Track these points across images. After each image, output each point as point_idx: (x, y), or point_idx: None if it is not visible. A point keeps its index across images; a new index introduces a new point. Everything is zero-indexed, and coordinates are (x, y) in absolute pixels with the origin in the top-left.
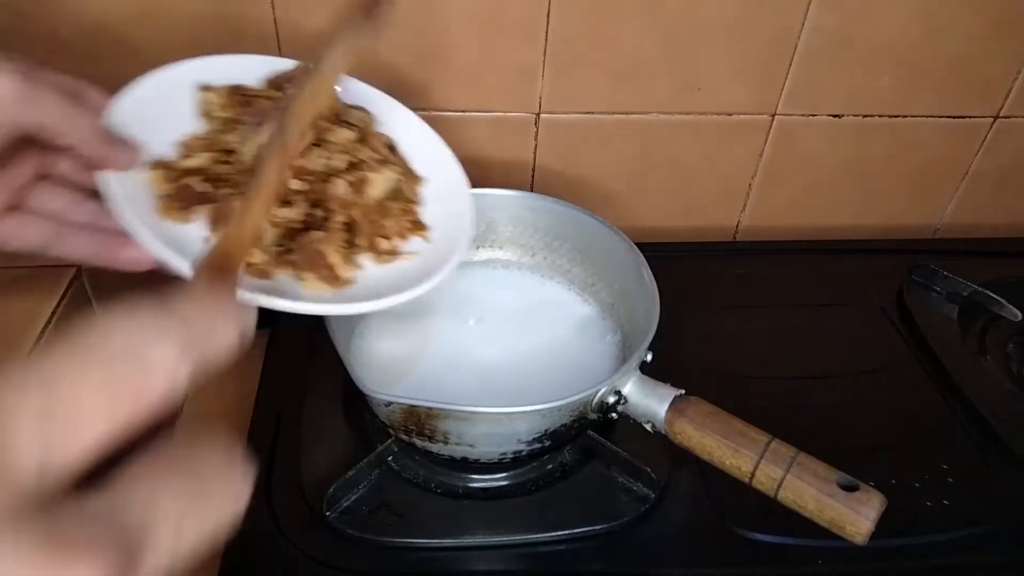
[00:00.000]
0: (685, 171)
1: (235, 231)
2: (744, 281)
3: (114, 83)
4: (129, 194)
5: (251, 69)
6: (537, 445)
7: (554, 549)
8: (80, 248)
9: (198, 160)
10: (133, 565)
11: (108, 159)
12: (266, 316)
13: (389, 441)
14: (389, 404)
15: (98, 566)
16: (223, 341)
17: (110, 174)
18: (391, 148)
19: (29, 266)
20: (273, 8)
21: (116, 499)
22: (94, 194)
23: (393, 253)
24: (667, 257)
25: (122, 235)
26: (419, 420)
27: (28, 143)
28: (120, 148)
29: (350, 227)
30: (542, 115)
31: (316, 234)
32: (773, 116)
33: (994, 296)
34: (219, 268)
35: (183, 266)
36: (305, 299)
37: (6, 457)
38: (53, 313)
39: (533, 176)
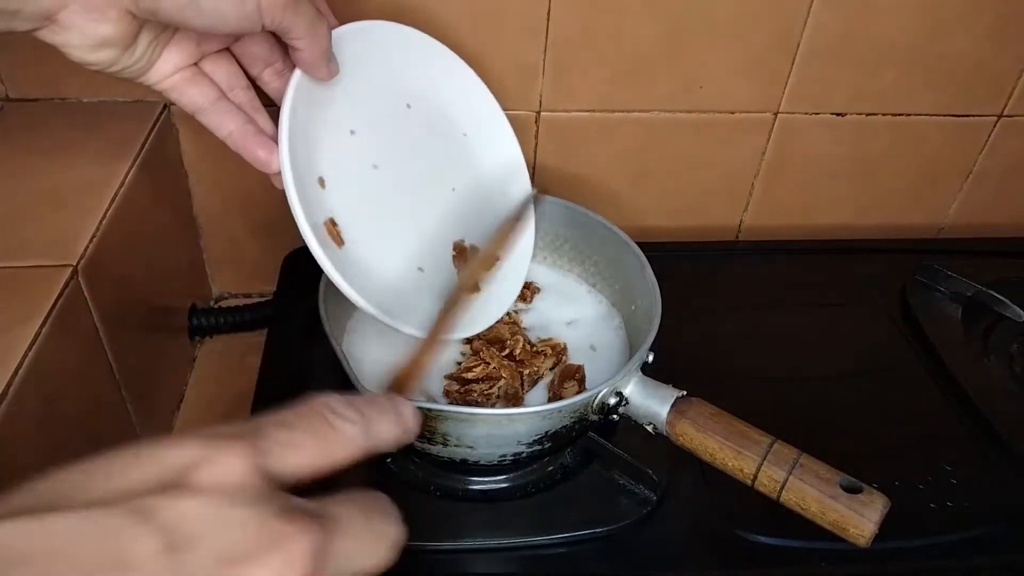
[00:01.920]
0: (687, 170)
1: (408, 372)
2: (747, 281)
3: (110, 83)
4: (300, 109)
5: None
6: (537, 447)
7: (554, 552)
8: (226, 126)
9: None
10: (327, 546)
11: (316, 68)
12: (263, 317)
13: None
14: None
15: (308, 532)
16: (387, 435)
17: (301, 79)
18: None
19: (24, 266)
20: None
21: (320, 504)
22: (255, 85)
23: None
24: (669, 256)
25: (265, 136)
26: None
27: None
28: (332, 64)
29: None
30: (542, 113)
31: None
32: (776, 114)
33: (998, 296)
34: (395, 389)
35: (295, 200)
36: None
37: (264, 458)
38: (49, 313)
39: (533, 175)
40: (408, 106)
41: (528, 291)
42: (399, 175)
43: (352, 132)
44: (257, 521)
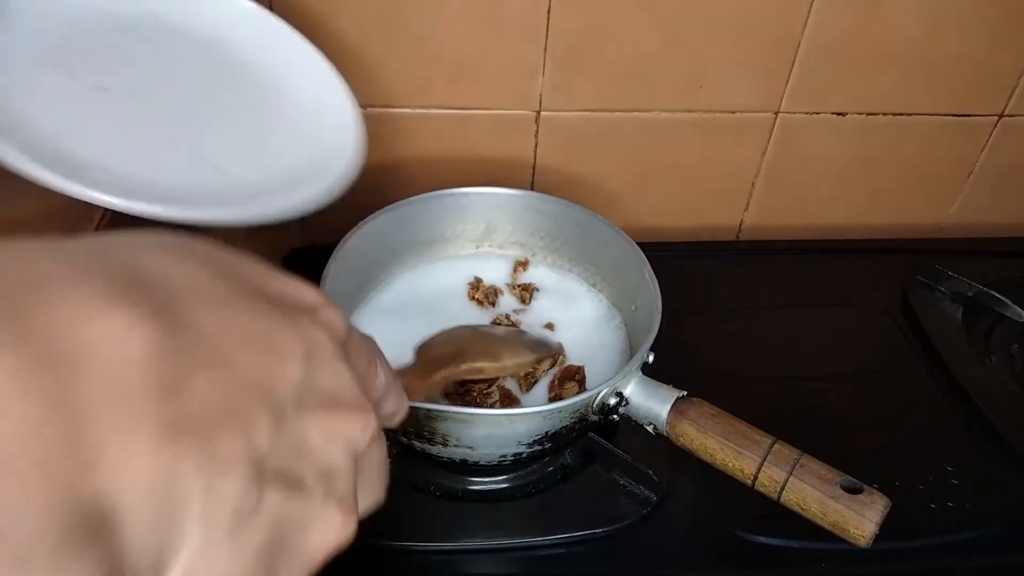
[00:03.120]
0: (687, 170)
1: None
2: (747, 281)
3: None
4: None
5: None
6: (538, 447)
7: (555, 552)
8: None
9: None
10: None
11: None
12: None
13: (388, 443)
14: None
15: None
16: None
17: None
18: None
19: None
20: (272, 7)
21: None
22: None
23: None
24: (669, 257)
25: None
26: (418, 422)
27: None
28: None
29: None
30: (543, 113)
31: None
32: (776, 114)
33: (999, 296)
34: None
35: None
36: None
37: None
38: None
39: (533, 175)
40: (132, 29)
41: (527, 292)
42: (150, 97)
43: (55, 65)
44: (352, 382)
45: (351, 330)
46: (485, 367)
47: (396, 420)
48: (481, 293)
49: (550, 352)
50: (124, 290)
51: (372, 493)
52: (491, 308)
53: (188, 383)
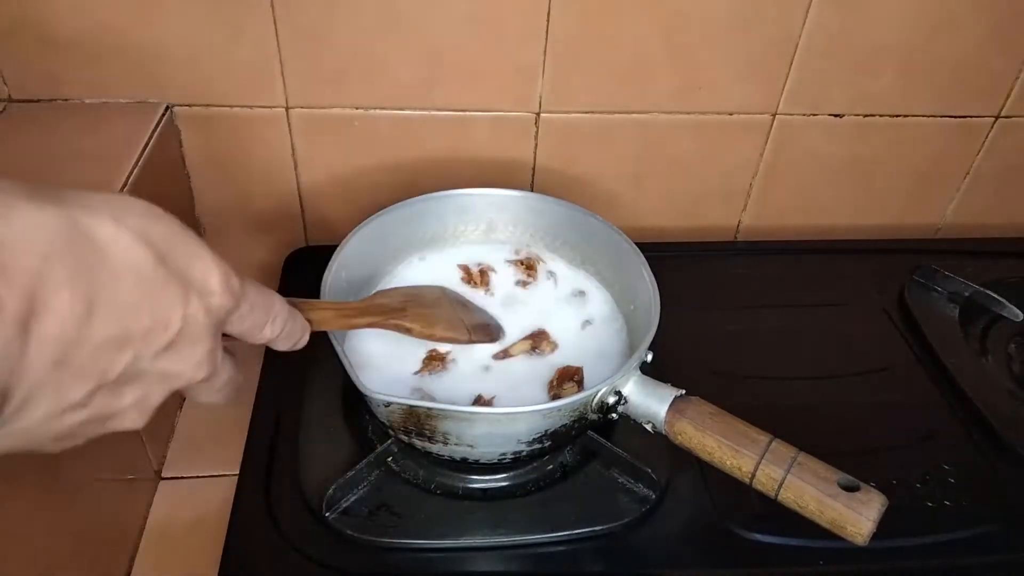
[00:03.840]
0: (686, 171)
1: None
2: (745, 281)
3: (112, 84)
4: None
5: None
6: (537, 446)
7: (554, 550)
8: None
9: None
10: None
11: None
12: None
13: (389, 442)
14: (388, 405)
15: None
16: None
17: None
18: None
19: None
20: (273, 7)
21: None
22: None
23: None
24: (668, 257)
25: None
26: (418, 421)
27: None
28: None
29: None
30: (542, 114)
31: None
32: (774, 116)
33: (995, 296)
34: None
35: None
36: None
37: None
38: None
39: (533, 176)
40: None
41: (532, 270)
42: None
43: None
44: (204, 351)
45: (245, 298)
46: (413, 329)
47: (298, 347)
48: (475, 277)
49: (487, 339)
50: (75, 273)
51: (216, 397)
52: (486, 288)
53: (88, 338)
